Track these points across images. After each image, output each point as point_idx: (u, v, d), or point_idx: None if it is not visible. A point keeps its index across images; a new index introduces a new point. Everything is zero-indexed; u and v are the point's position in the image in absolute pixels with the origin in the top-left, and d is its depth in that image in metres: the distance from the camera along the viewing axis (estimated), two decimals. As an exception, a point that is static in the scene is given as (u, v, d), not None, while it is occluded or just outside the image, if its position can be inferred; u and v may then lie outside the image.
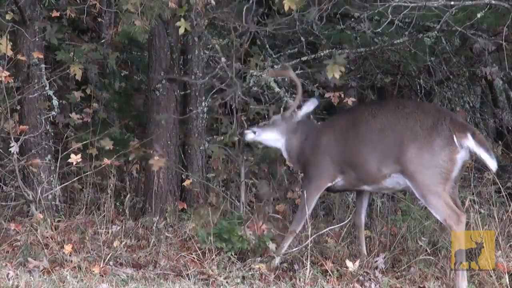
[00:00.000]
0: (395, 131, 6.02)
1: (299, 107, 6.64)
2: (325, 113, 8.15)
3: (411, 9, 6.64)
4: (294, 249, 6.31)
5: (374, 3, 6.98)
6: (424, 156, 5.91)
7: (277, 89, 7.57)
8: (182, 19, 6.76)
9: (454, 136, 5.87)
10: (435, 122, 5.94)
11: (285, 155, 6.67)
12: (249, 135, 6.64)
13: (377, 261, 6.24)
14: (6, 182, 7.47)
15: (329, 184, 6.30)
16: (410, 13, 6.72)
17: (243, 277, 6.05)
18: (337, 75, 6.65)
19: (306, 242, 6.17)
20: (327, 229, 6.52)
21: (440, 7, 6.68)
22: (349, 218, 6.75)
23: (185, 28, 6.88)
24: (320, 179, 6.30)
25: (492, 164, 5.84)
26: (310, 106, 6.63)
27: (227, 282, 5.97)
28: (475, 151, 5.85)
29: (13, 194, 7.32)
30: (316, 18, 7.43)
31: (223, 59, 7.10)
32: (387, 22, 6.71)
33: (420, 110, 6.09)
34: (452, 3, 6.65)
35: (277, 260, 6.25)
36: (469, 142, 5.85)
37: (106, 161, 7.06)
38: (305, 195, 6.30)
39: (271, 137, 6.63)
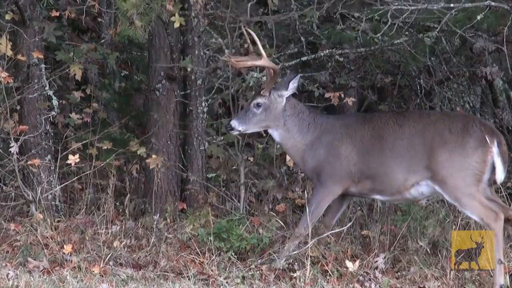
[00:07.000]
0: (424, 138, 6.02)
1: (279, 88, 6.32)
2: (325, 113, 8.13)
3: (411, 12, 6.66)
4: (295, 252, 6.29)
5: (374, 6, 6.99)
6: (455, 159, 5.92)
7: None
8: (176, 15, 6.76)
9: (486, 136, 5.91)
10: (465, 125, 5.98)
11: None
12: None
13: (377, 261, 6.24)
14: (6, 182, 7.46)
15: (342, 191, 6.24)
16: (410, 16, 6.73)
17: (243, 277, 6.05)
18: None
19: (308, 245, 6.15)
20: (328, 233, 6.48)
21: (440, 9, 6.68)
22: (352, 221, 6.76)
23: (185, 28, 6.85)
24: (334, 186, 6.22)
25: (501, 177, 5.92)
26: (295, 81, 6.32)
27: (227, 282, 5.96)
28: (494, 159, 5.91)
29: (13, 194, 7.32)
30: (317, 19, 7.44)
31: (227, 51, 7.08)
32: (387, 26, 6.73)
33: (447, 116, 6.21)
34: (452, 5, 6.65)
35: (282, 261, 6.21)
36: (494, 148, 5.91)
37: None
38: (317, 200, 6.25)
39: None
